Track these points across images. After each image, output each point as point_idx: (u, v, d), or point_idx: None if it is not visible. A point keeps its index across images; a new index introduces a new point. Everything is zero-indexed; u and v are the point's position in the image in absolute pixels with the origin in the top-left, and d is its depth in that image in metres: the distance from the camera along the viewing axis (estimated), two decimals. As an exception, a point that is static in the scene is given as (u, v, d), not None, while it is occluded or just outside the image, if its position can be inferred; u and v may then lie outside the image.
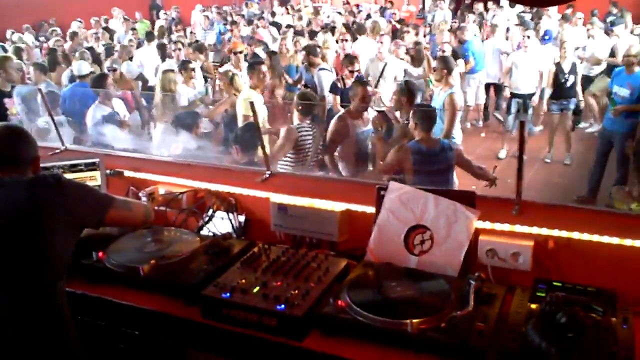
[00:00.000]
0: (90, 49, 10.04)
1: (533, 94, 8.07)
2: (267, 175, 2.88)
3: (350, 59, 6.89)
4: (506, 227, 2.31)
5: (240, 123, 5.49)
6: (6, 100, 6.28)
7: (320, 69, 7.64)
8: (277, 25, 12.55)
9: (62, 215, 2.01)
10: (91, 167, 2.93)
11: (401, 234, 2.39)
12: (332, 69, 7.76)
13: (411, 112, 4.47)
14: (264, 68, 6.01)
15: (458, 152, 4.54)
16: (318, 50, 8.18)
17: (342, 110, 5.42)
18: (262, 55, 8.68)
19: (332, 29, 10.88)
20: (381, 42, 7.79)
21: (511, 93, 8.30)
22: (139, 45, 10.71)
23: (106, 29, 12.91)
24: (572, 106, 7.80)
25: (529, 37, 8.07)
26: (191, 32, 12.57)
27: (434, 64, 7.35)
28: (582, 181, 6.70)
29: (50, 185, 2.04)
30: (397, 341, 1.94)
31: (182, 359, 2.44)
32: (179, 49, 8.28)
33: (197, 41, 10.46)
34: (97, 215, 2.18)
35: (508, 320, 1.97)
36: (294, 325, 2.03)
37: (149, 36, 10.69)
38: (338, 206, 2.57)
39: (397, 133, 5.07)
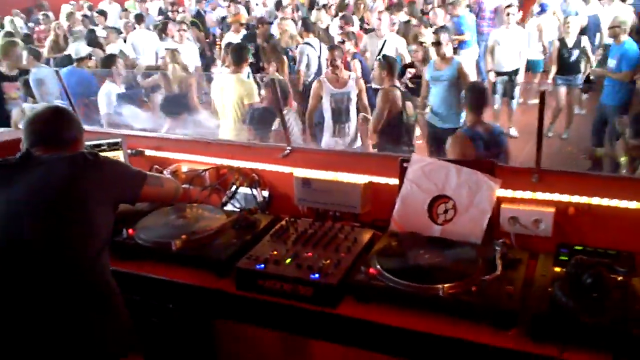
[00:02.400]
0: (92, 31, 9.95)
1: (516, 71, 8.09)
2: (288, 151, 2.94)
3: (348, 35, 7.01)
4: (527, 194, 2.39)
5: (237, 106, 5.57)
6: (5, 84, 6.26)
7: (304, 43, 7.68)
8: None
9: (100, 191, 2.07)
10: (114, 146, 2.97)
11: (424, 204, 2.46)
12: (319, 45, 7.76)
13: (463, 92, 4.39)
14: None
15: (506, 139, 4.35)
16: (312, 26, 8.21)
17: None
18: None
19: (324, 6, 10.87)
20: (379, 19, 7.78)
21: (496, 71, 8.20)
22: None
23: (101, 12, 12.78)
24: (578, 82, 7.80)
25: (512, 14, 8.06)
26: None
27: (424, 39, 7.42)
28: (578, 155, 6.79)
29: (88, 162, 2.09)
30: (428, 306, 2.02)
31: (211, 329, 2.53)
32: (184, 30, 8.24)
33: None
34: (133, 191, 2.24)
35: (534, 284, 2.05)
36: (329, 293, 2.11)
37: (139, 18, 10.60)
38: (361, 179, 2.64)
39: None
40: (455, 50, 8.90)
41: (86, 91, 6.15)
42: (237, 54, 5.76)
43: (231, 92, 5.61)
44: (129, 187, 2.23)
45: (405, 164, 2.53)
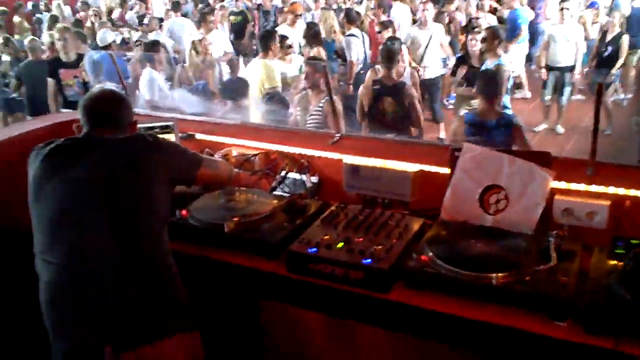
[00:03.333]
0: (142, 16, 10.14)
1: (571, 67, 7.94)
2: (338, 138, 2.96)
3: (385, 24, 6.98)
4: (581, 187, 2.37)
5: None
6: (61, 71, 6.40)
7: (348, 35, 7.69)
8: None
9: (159, 170, 2.13)
10: (166, 129, 3.03)
11: (476, 194, 2.46)
12: (362, 35, 7.76)
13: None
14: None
15: (517, 131, 4.39)
16: (355, 15, 8.19)
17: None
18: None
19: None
20: (425, 9, 7.72)
21: (548, 66, 8.11)
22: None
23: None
24: (613, 78, 7.68)
25: (567, 8, 7.93)
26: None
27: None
28: (624, 150, 6.66)
29: (148, 143, 2.16)
30: (480, 294, 2.02)
31: (257, 310, 2.58)
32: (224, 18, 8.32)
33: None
34: (190, 173, 2.30)
35: (589, 275, 2.04)
36: (381, 278, 2.13)
37: (175, 6, 10.72)
38: (411, 167, 2.64)
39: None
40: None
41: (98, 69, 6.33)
42: (264, 41, 5.91)
43: (257, 76, 5.78)
44: (187, 168, 2.29)
45: (456, 153, 2.53)
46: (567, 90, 7.92)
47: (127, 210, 2.01)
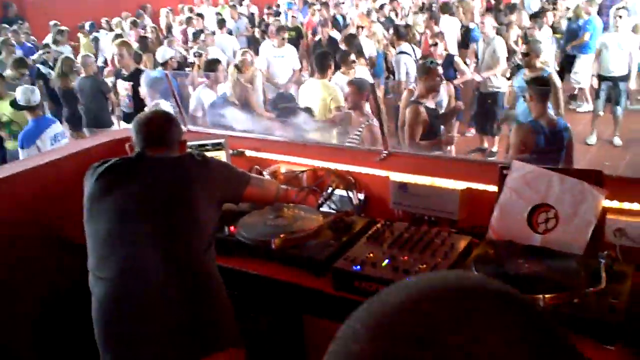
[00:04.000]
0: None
1: (624, 76, 7.68)
2: (385, 155, 2.97)
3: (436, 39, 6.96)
4: (635, 206, 2.30)
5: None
6: (117, 82, 6.63)
7: (399, 52, 7.62)
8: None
9: (208, 189, 2.19)
10: (217, 147, 3.11)
11: (524, 213, 2.42)
12: (413, 50, 7.71)
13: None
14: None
15: (569, 141, 4.41)
16: (404, 30, 8.15)
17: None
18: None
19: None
20: (482, 23, 7.64)
21: (600, 76, 7.83)
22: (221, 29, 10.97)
23: (199, 14, 13.29)
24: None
25: (620, 16, 7.68)
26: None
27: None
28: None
29: (197, 162, 2.23)
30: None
31: (300, 325, 2.60)
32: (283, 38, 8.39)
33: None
34: (238, 191, 2.36)
35: (641, 298, 1.98)
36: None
37: (221, 23, 10.95)
38: (458, 185, 2.63)
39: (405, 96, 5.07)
40: (573, 56, 8.62)
41: (151, 85, 6.49)
42: (320, 61, 5.93)
43: (317, 97, 5.78)
44: (234, 187, 2.35)
45: (505, 171, 2.50)
46: (622, 100, 7.66)
47: (178, 227, 2.08)
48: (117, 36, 10.57)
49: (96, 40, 12.37)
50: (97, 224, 2.10)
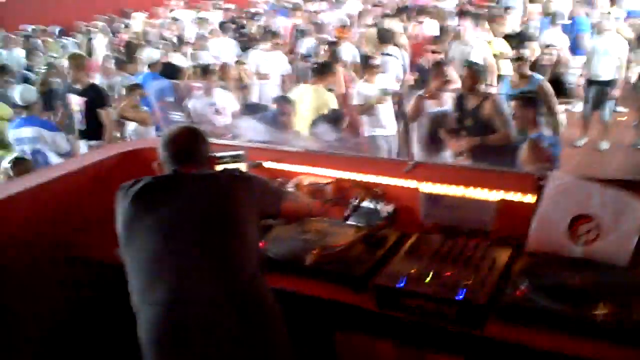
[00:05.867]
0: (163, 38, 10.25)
1: (611, 82, 7.72)
2: (412, 165, 2.92)
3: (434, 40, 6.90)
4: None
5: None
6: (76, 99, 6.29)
7: (383, 54, 7.51)
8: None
9: (250, 206, 2.11)
10: (236, 159, 3.02)
11: (564, 224, 2.39)
12: (400, 54, 7.65)
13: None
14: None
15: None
16: (386, 33, 8.03)
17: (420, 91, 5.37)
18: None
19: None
20: (463, 26, 7.66)
21: (589, 80, 7.80)
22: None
23: (174, 18, 13.05)
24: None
25: (606, 20, 7.75)
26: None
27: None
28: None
29: (237, 178, 2.15)
30: (582, 329, 1.95)
31: (332, 342, 2.53)
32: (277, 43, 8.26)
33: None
34: (276, 206, 2.28)
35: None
36: (475, 314, 2.07)
37: (223, 27, 10.72)
38: (493, 195, 2.59)
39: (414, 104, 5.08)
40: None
41: (163, 96, 6.32)
42: (320, 69, 5.92)
43: (308, 102, 5.73)
44: (273, 202, 2.28)
45: (541, 182, 2.47)
46: (609, 104, 7.72)
47: (225, 246, 1.99)
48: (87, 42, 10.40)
49: (65, 47, 12.00)
50: (140, 247, 1.99)
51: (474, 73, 4.91)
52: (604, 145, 7.79)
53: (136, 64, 8.34)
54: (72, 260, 2.89)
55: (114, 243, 2.14)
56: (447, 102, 5.06)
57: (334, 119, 5.17)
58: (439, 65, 5.36)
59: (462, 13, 9.10)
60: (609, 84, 7.59)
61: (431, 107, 5.08)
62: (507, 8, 9.89)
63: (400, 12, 10.53)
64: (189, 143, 2.22)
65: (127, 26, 12.78)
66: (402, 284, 2.22)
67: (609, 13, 8.00)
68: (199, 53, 8.93)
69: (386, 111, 5.90)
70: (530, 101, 4.57)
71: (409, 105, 4.99)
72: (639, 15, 9.12)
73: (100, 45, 11.07)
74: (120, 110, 6.31)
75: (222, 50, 9.54)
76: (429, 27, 9.29)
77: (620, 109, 8.38)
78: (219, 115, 5.82)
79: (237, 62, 8.14)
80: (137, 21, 13.46)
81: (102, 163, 3.30)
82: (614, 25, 7.75)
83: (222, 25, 10.61)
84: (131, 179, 2.19)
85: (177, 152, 2.19)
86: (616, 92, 7.61)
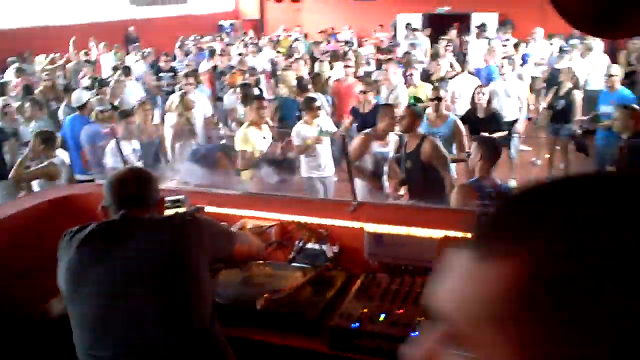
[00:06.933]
0: (96, 79, 9.97)
1: (515, 121, 8.07)
2: (355, 205, 2.95)
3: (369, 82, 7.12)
4: None
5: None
6: None
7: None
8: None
9: (203, 251, 2.06)
10: (177, 203, 2.95)
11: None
12: (324, 100, 7.79)
13: (475, 143, 4.29)
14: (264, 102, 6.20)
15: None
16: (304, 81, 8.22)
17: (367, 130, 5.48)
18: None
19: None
20: (386, 70, 7.94)
21: None
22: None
23: (87, 61, 12.71)
24: (565, 132, 7.91)
25: (509, 64, 8.24)
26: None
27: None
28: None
29: (187, 222, 2.10)
30: None
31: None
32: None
33: (195, 70, 10.36)
34: (228, 249, 2.25)
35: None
36: (432, 351, 2.09)
37: (127, 70, 10.57)
38: (436, 233, 2.66)
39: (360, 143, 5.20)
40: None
41: (92, 140, 6.10)
42: (309, 104, 6.03)
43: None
44: (225, 245, 2.24)
45: (482, 218, 2.55)
46: (514, 143, 8.06)
47: (178, 293, 1.92)
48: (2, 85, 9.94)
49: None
50: (86, 299, 1.89)
51: (413, 113, 4.96)
52: (512, 182, 8.18)
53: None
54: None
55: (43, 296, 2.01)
56: (390, 143, 5.19)
57: (277, 161, 5.15)
58: (387, 106, 5.47)
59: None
60: (512, 124, 8.01)
61: (377, 147, 5.19)
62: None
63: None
64: (138, 186, 2.14)
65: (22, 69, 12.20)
66: (356, 325, 2.22)
67: (511, 58, 8.48)
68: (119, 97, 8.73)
69: (324, 152, 5.95)
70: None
71: (352, 145, 5.08)
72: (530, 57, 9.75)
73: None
74: (15, 174, 5.42)
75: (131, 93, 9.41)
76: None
77: (523, 147, 8.84)
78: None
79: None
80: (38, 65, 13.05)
81: (28, 211, 3.12)
82: (515, 69, 8.27)
83: (127, 69, 10.43)
84: (63, 227, 2.08)
85: (125, 196, 2.11)
86: (519, 129, 8.03)
